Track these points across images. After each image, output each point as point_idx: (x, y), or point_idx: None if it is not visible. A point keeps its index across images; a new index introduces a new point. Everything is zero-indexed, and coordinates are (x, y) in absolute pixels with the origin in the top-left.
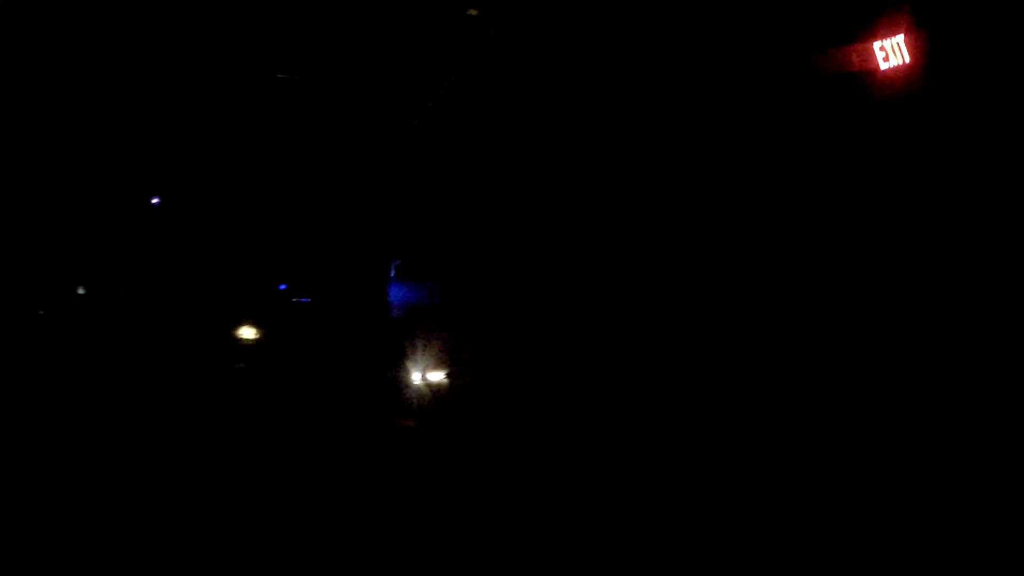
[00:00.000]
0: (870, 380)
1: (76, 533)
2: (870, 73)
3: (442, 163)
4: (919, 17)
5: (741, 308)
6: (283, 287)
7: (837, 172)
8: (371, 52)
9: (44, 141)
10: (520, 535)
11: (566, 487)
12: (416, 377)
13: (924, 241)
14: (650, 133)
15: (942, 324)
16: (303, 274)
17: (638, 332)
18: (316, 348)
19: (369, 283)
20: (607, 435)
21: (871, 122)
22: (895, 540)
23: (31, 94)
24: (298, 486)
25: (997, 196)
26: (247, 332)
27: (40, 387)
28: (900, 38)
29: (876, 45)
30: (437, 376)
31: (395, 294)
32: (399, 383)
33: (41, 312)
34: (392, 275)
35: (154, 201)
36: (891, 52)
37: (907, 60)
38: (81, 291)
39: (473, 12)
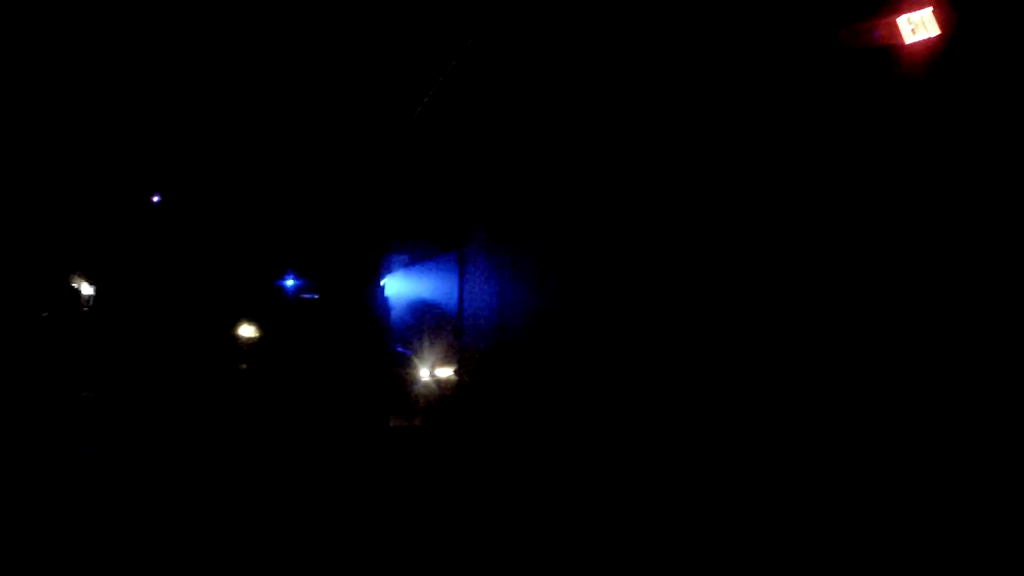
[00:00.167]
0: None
1: (75, 532)
2: (896, 48)
3: (443, 154)
4: None
5: (766, 291)
6: (290, 284)
7: (862, 152)
8: (369, 40)
9: (43, 138)
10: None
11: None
12: (423, 374)
13: (953, 226)
14: (664, 117)
15: (975, 317)
16: (308, 269)
17: (649, 326)
18: (322, 345)
19: (368, 278)
20: (609, 436)
21: (897, 99)
22: (895, 540)
23: (30, 91)
24: (299, 489)
25: None
26: (252, 331)
27: (43, 387)
28: (927, 11)
29: (902, 19)
30: (444, 373)
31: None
32: (405, 380)
33: (45, 314)
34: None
35: (155, 199)
36: (918, 26)
37: (934, 34)
38: (86, 291)
39: None
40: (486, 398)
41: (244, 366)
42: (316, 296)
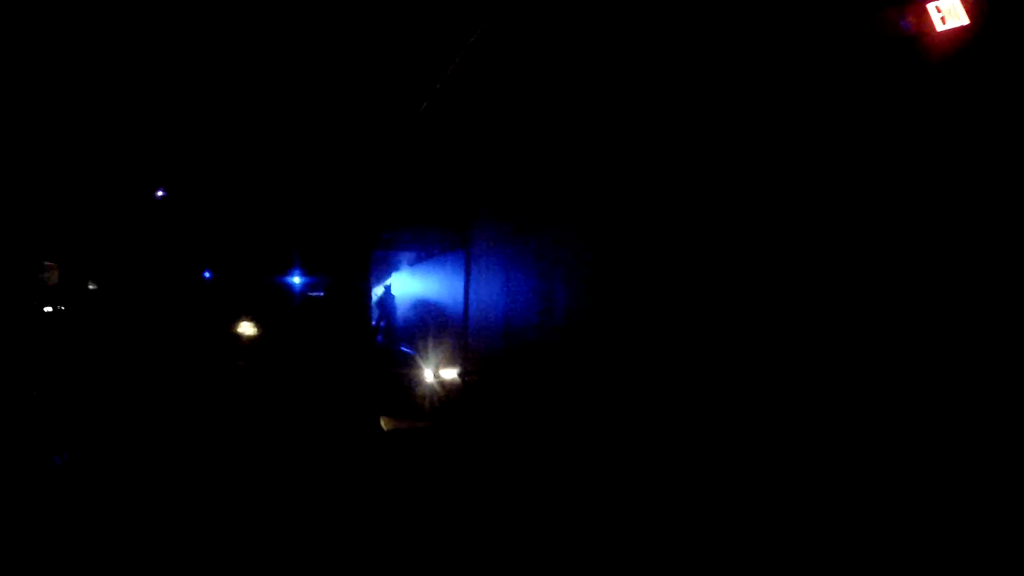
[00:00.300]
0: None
1: (72, 533)
2: (926, 36)
3: (449, 151)
4: None
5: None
6: (296, 281)
7: (892, 143)
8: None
9: (45, 136)
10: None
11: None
12: (428, 374)
13: (983, 219)
14: (687, 112)
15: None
16: (308, 266)
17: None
18: (325, 344)
19: (359, 275)
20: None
21: (928, 88)
22: (896, 540)
23: (32, 92)
24: (286, 491)
25: None
26: (251, 328)
27: (44, 383)
28: None
29: (932, 6)
30: (449, 373)
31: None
32: (409, 380)
33: (50, 309)
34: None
35: (159, 194)
36: (948, 13)
37: (966, 22)
38: (91, 287)
39: None
40: (492, 398)
41: (242, 364)
42: (320, 294)
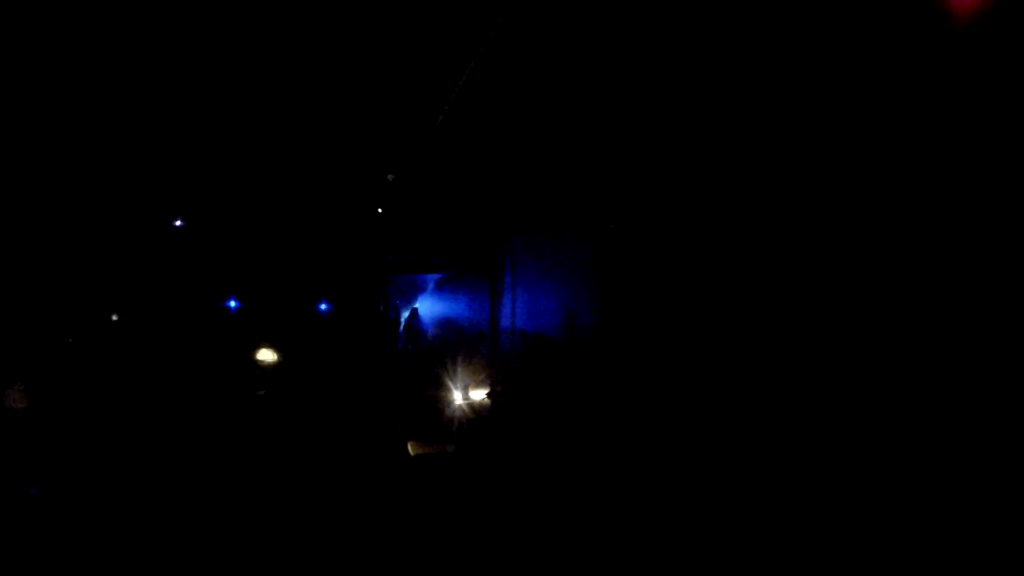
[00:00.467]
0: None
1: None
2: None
3: (469, 169)
4: None
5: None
6: (320, 309)
7: (909, 115)
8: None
9: (65, 163)
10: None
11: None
12: (457, 396)
13: (1008, 203)
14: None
15: None
16: (327, 290)
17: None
18: (351, 369)
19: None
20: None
21: (946, 55)
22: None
23: (52, 112)
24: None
25: None
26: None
27: (70, 410)
28: None
29: None
30: (478, 395)
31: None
32: (438, 403)
33: (71, 339)
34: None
35: (177, 223)
36: None
37: None
38: (114, 317)
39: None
40: (521, 420)
41: (262, 392)
42: (344, 319)
